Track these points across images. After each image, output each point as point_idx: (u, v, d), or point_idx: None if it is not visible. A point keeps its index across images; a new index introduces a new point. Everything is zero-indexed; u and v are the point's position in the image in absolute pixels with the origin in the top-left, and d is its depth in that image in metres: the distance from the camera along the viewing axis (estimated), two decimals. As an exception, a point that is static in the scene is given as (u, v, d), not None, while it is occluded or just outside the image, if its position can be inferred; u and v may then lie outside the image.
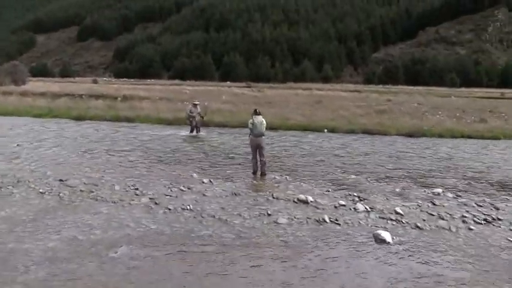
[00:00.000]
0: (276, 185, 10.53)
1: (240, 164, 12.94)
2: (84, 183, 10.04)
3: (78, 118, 24.74)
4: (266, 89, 62.37)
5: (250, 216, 8.04)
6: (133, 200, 8.83)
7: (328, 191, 10.03)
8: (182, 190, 9.57)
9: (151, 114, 25.18)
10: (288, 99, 39.00)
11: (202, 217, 7.89)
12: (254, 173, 11.54)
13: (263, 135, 11.55)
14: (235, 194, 9.42)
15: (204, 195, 9.28)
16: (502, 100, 52.79)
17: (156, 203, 8.61)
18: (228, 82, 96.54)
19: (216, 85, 76.78)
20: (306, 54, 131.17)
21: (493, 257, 6.76)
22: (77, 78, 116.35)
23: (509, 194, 10.67)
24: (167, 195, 9.17)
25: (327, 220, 7.94)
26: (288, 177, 11.33)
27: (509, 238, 7.53)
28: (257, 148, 11.51)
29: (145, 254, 6.30)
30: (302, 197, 9.20)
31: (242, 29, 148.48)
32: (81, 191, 9.44)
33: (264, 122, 11.56)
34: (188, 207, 8.35)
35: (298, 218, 8.02)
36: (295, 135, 19.63)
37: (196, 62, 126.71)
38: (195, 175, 11.14)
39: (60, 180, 10.28)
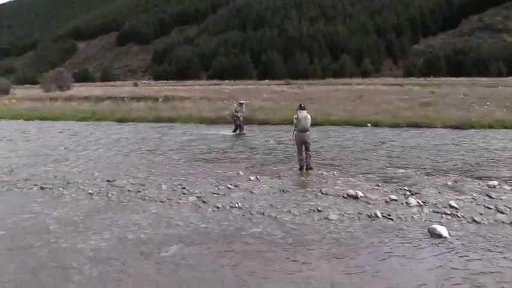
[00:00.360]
0: (324, 180, 10.35)
1: (285, 161, 12.81)
2: (132, 183, 10.17)
3: (121, 120, 25.25)
4: (305, 85, 62.01)
5: (300, 213, 7.90)
6: (181, 199, 8.85)
7: (378, 186, 9.78)
8: (229, 188, 9.54)
9: (193, 113, 25.40)
10: (328, 95, 38.55)
11: (251, 214, 7.82)
12: (301, 168, 11.39)
13: (307, 130, 11.40)
14: (283, 191, 9.30)
15: (251, 192, 9.21)
16: (553, 88, 50.36)
17: (204, 202, 8.59)
18: (266, 80, 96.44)
19: (254, 83, 76.88)
20: (344, 49, 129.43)
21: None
22: (118, 82, 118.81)
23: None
24: (214, 194, 9.16)
25: (379, 215, 7.71)
26: (335, 172, 11.13)
27: None
28: (302, 143, 11.36)
29: (195, 252, 6.27)
30: (352, 192, 8.99)
31: (279, 26, 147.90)
32: (128, 191, 9.55)
33: (309, 117, 11.43)
34: (236, 205, 8.29)
35: (349, 214, 7.83)
36: (337, 131, 19.35)
37: (234, 61, 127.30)
38: (241, 173, 11.10)
39: (108, 180, 10.45)
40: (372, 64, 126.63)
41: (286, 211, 7.96)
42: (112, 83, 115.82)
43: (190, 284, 5.40)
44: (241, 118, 19.27)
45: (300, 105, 11.79)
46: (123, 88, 66.68)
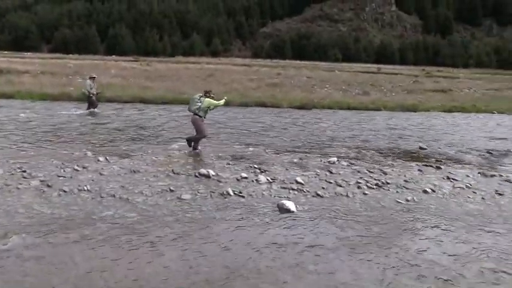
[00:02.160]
0: (176, 160, 10.29)
1: (136, 140, 12.45)
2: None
3: None
4: (155, 63, 60.60)
5: (153, 193, 7.76)
6: (21, 183, 8.03)
7: (229, 164, 10.06)
8: (77, 170, 8.94)
9: (33, 89, 23.21)
10: (179, 73, 38.27)
11: (101, 197, 7.45)
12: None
13: (193, 113, 11.32)
14: (135, 171, 9.03)
15: (101, 174, 8.76)
16: (379, 74, 56.52)
17: (48, 186, 7.93)
18: (114, 56, 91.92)
19: (102, 59, 72.73)
20: (195, 28, 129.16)
21: (385, 217, 7.30)
22: None
23: (394, 159, 11.56)
24: (60, 177, 8.50)
25: (231, 193, 7.94)
26: (186, 151, 11.14)
27: (397, 200, 8.17)
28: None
29: (40, 242, 5.76)
30: (203, 171, 9.10)
31: (129, 0, 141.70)
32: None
33: (199, 100, 11.29)
34: (85, 188, 7.82)
35: (201, 193, 7.92)
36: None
37: (79, 34, 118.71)
38: (89, 153, 10.47)
39: None
40: (222, 44, 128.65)
41: (138, 192, 7.76)
42: None
43: (38, 277, 4.97)
44: (94, 94, 18.14)
45: (204, 90, 11.73)
46: None
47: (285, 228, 6.62)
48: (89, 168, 9.10)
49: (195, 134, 11.47)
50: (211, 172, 9.07)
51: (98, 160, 9.80)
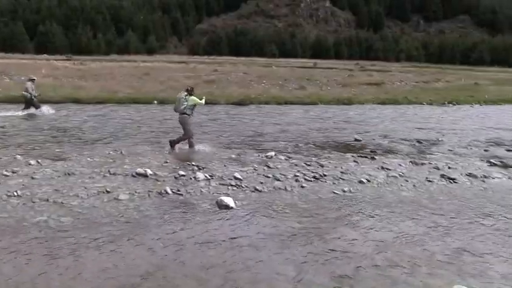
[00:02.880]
0: (111, 160, 10.02)
1: (70, 142, 12.02)
2: None
3: None
4: (89, 61, 58.66)
5: (88, 195, 7.53)
6: None
7: (167, 162, 9.96)
8: (5, 175, 8.49)
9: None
10: (113, 72, 37.25)
11: (33, 202, 7.11)
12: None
13: (180, 112, 11.42)
14: (69, 174, 8.71)
15: (32, 178, 8.36)
16: (315, 69, 57.78)
17: (-27, 192, 7.51)
18: (45, 54, 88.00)
19: (32, 57, 69.56)
20: (130, 25, 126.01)
21: (323, 208, 7.51)
22: None
23: (330, 152, 11.89)
24: (-14, 182, 8.07)
25: (169, 192, 7.86)
26: (123, 151, 10.89)
27: (334, 191, 8.42)
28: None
29: (-34, 250, 5.47)
30: (141, 170, 8.93)
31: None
32: None
33: (185, 98, 11.34)
34: (15, 193, 7.42)
35: (139, 193, 7.78)
36: (123, 109, 18.92)
37: (4, 31, 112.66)
38: (18, 157, 9.97)
39: None
40: (158, 41, 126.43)
41: (73, 195, 7.50)
42: None
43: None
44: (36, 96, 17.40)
45: (187, 88, 11.71)
46: None
47: (223, 224, 6.65)
48: (19, 173, 8.67)
49: (182, 134, 11.49)
50: (149, 171, 8.93)
51: (29, 164, 9.35)
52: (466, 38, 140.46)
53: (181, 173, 8.98)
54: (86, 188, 7.90)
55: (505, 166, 11.18)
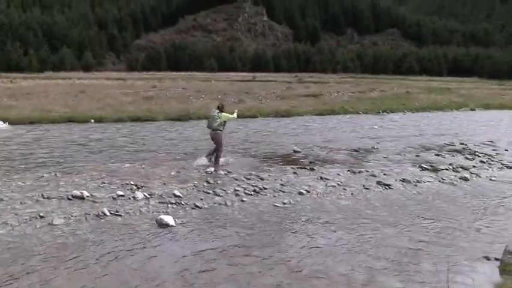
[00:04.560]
0: (46, 183, 9.59)
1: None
2: None
3: None
4: (20, 79, 56.23)
5: (19, 222, 7.13)
6: None
7: (104, 183, 9.62)
8: None
9: None
10: (47, 90, 35.83)
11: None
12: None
13: (212, 129, 11.87)
14: (-3, 200, 8.26)
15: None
16: (254, 82, 58.38)
17: None
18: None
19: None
20: (64, 41, 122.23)
21: (264, 221, 7.57)
22: None
23: (270, 165, 12.01)
24: None
25: (107, 213, 7.63)
26: (57, 173, 10.46)
27: (274, 204, 8.52)
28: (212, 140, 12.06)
29: None
30: (77, 192, 8.62)
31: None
32: None
33: (218, 116, 11.79)
34: None
35: (75, 216, 7.49)
36: (58, 128, 18.24)
37: None
38: None
39: None
40: (95, 58, 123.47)
41: (2, 223, 7.09)
42: None
43: None
44: None
45: (218, 105, 12.24)
46: None
47: (162, 243, 6.54)
48: None
49: (213, 149, 12.00)
50: (85, 193, 8.63)
51: (-49, 191, 8.78)
52: (396, 49, 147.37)
53: (120, 193, 8.74)
54: (16, 214, 7.50)
55: (435, 170, 11.76)
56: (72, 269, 5.63)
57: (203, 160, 11.87)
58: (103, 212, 7.65)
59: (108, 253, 6.13)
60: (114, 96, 30.56)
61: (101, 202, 8.28)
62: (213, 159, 11.87)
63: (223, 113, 11.92)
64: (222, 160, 11.94)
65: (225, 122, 12.01)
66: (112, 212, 7.73)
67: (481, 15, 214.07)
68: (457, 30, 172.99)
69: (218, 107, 12.14)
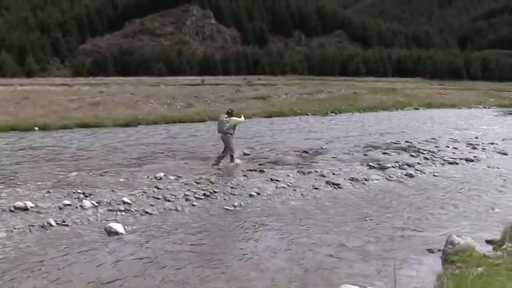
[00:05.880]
0: (-16, 196, 9.18)
1: None
2: None
3: None
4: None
5: (-44, 237, 6.82)
6: None
7: (50, 192, 9.32)
8: None
9: None
10: (-15, 98, 34.30)
11: None
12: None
13: (222, 132, 12.39)
14: None
15: None
16: (203, 86, 58.04)
17: None
18: None
19: None
20: (3, 45, 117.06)
21: (214, 225, 7.61)
22: None
23: (219, 168, 12.02)
24: None
25: (53, 224, 7.40)
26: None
27: (225, 207, 8.55)
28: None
29: None
30: (20, 203, 8.29)
31: None
32: None
33: (227, 120, 12.31)
34: None
35: (18, 228, 7.22)
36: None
37: None
38: None
39: None
40: (37, 63, 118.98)
41: None
42: None
43: None
44: None
45: (227, 111, 12.83)
46: None
47: (111, 252, 6.43)
48: None
49: (220, 154, 12.55)
50: (29, 204, 8.32)
51: None
52: (343, 51, 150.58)
53: (66, 202, 8.49)
54: None
55: (382, 168, 12.14)
56: (15, 285, 5.43)
57: (213, 168, 12.06)
58: (49, 223, 7.42)
59: (54, 265, 5.96)
60: (59, 102, 29.60)
61: (46, 212, 8.02)
62: (220, 164, 12.35)
63: (232, 118, 12.51)
64: (236, 156, 12.76)
65: (235, 125, 12.58)
66: (58, 222, 7.51)
67: (422, 18, 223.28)
68: (400, 32, 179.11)
69: (228, 112, 12.73)
